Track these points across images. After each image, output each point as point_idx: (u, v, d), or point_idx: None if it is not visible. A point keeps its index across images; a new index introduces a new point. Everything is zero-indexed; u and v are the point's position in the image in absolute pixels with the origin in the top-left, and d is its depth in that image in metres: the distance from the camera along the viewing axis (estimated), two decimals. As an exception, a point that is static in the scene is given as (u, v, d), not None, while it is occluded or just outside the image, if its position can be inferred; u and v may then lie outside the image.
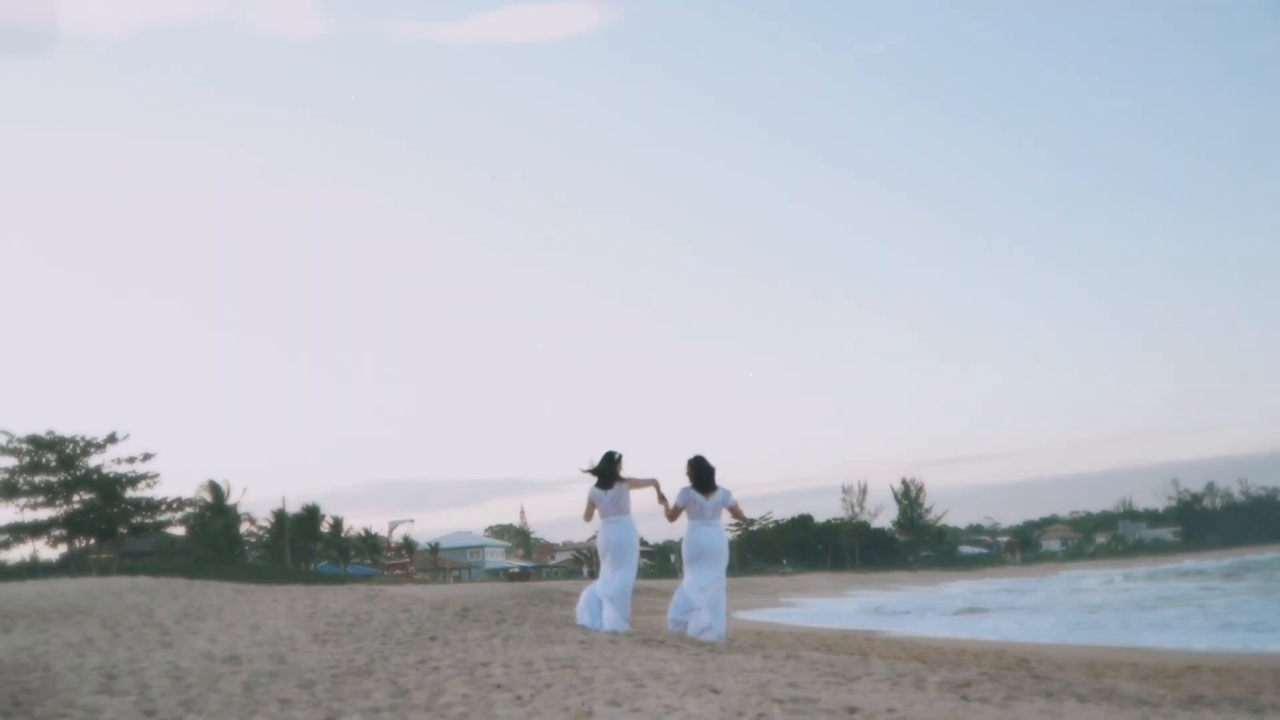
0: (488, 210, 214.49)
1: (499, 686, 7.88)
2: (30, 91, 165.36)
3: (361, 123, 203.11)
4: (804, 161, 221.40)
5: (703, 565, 13.78)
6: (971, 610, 38.95)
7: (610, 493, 13.84)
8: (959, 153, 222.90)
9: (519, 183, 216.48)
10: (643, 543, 14.68)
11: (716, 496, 13.80)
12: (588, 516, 14.30)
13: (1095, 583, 66.36)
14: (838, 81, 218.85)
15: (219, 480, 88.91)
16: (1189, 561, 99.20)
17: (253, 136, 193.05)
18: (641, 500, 14.17)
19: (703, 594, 13.68)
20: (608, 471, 13.90)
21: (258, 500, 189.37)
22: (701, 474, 13.87)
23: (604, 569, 14.01)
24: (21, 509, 70.16)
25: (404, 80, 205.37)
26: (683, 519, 14.00)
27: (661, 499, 14.03)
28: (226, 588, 22.82)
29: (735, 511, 14.00)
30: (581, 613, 13.95)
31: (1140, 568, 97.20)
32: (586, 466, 14.05)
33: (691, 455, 13.99)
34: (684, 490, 13.86)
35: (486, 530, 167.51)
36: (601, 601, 13.77)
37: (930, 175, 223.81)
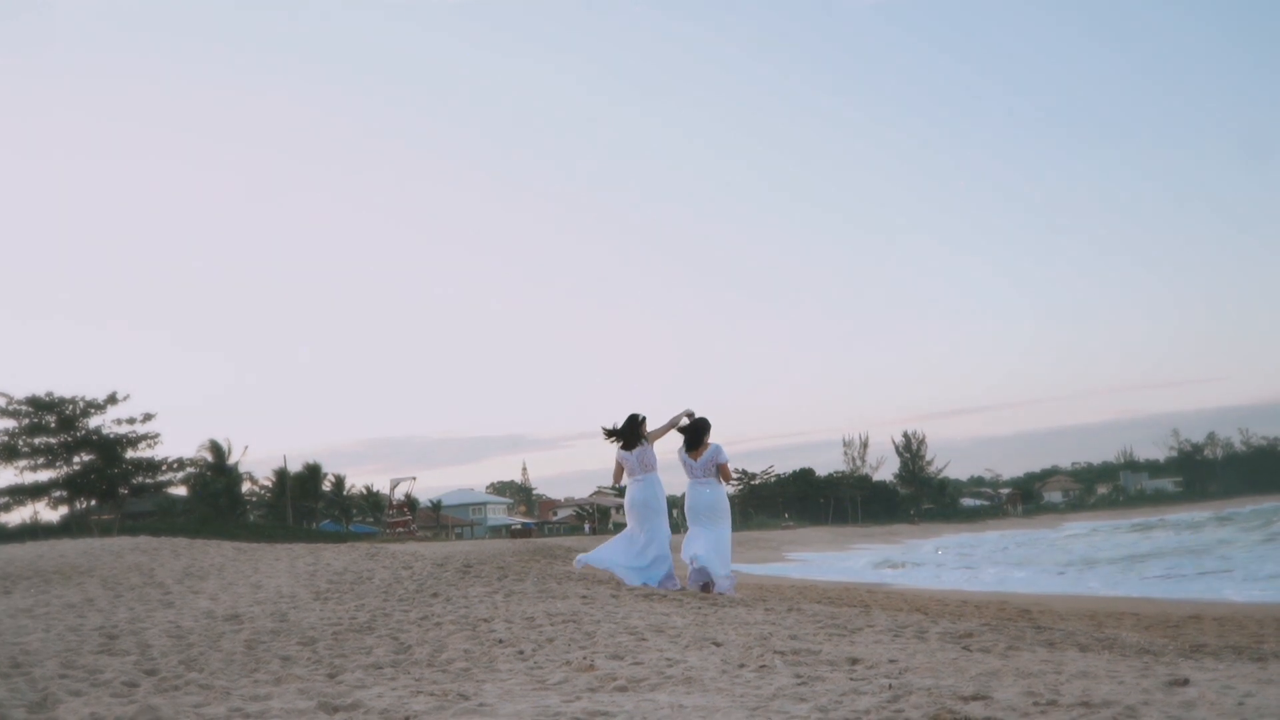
0: (487, 169, 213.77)
1: (501, 642, 7.88)
2: (24, 42, 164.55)
3: (362, 80, 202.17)
4: (798, 113, 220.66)
5: (696, 522, 13.83)
6: (890, 565, 39.74)
7: (635, 452, 13.87)
8: (956, 103, 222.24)
9: (519, 143, 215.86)
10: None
11: (704, 455, 13.81)
12: (617, 478, 14.40)
13: (1068, 535, 67.30)
14: (833, 31, 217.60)
15: (220, 440, 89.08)
16: (1170, 514, 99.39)
17: (246, 91, 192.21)
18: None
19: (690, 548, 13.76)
20: (631, 434, 13.91)
21: (259, 459, 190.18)
22: (685, 433, 13.92)
23: (630, 526, 14.01)
24: (22, 471, 70.42)
25: (398, 26, 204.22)
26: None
27: (688, 415, 14.06)
28: (228, 547, 22.86)
29: (722, 470, 13.99)
30: (620, 573, 13.91)
31: (1126, 519, 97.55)
32: (608, 428, 14.06)
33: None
34: (680, 450, 13.95)
35: (488, 487, 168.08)
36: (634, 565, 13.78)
37: (929, 125, 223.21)
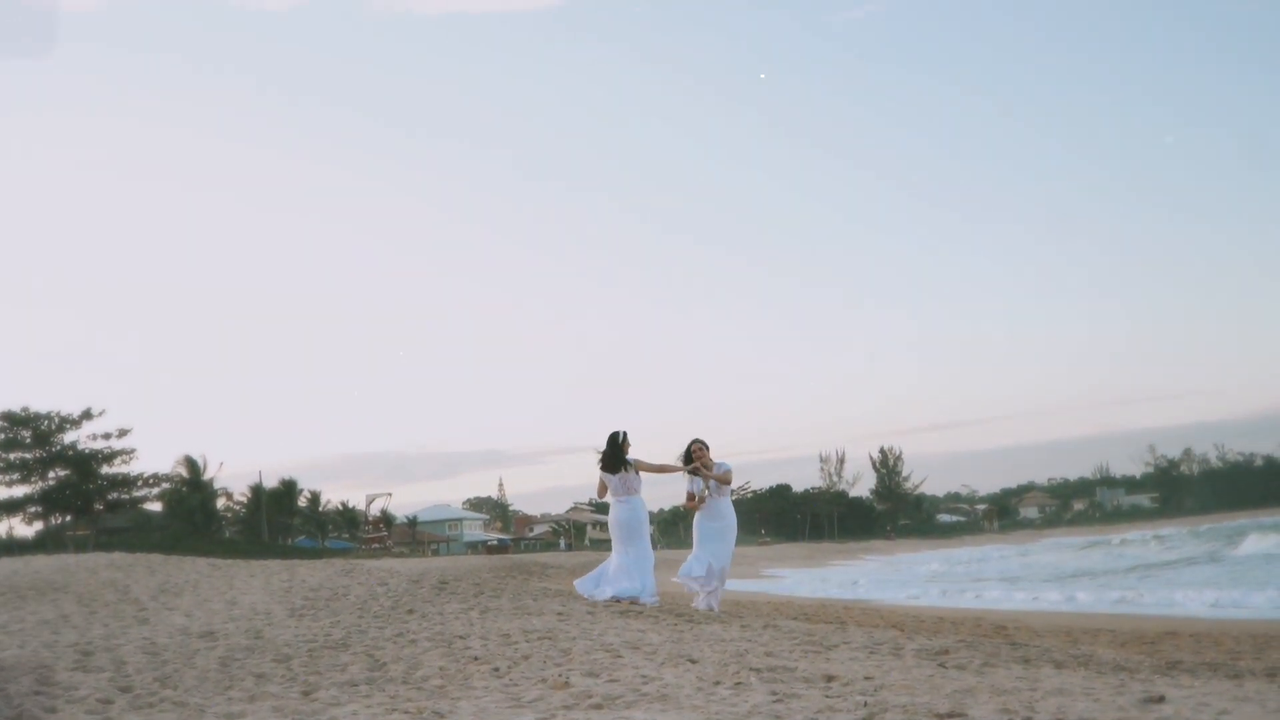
0: (464, 182, 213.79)
1: (476, 658, 7.87)
2: (7, 63, 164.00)
3: (336, 95, 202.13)
4: (780, 132, 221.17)
5: (712, 540, 14.06)
6: (866, 581, 40.41)
7: (618, 475, 13.87)
8: (933, 120, 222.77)
9: (495, 155, 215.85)
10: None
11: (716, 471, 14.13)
12: (600, 494, 14.43)
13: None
14: (816, 49, 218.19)
15: (195, 456, 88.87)
16: (1129, 533, 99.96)
17: (227, 110, 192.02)
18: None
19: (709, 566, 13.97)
20: (614, 455, 13.90)
21: (234, 475, 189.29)
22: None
23: (615, 546, 14.04)
24: (-4, 486, 70.04)
25: (378, 52, 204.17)
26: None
27: (708, 475, 14.20)
28: (203, 563, 22.78)
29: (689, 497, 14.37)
30: (587, 584, 14.00)
31: (1101, 535, 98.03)
32: (598, 455, 14.08)
33: (697, 438, 14.35)
34: (722, 462, 14.22)
35: (464, 503, 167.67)
36: (609, 575, 13.86)
37: (904, 143, 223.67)
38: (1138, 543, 61.85)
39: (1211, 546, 47.67)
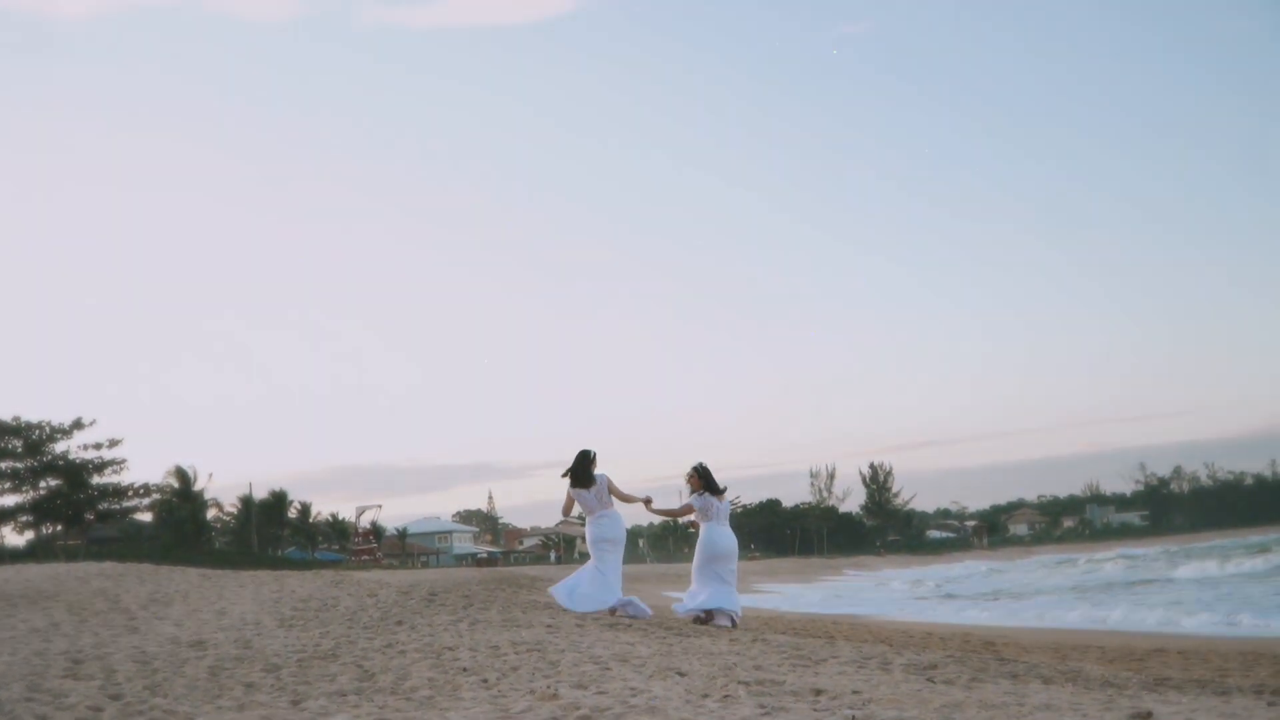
0: (453, 195, 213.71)
1: (465, 670, 7.88)
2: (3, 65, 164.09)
3: (328, 106, 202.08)
4: (769, 146, 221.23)
5: (724, 565, 14.30)
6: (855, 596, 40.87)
7: (592, 490, 13.93)
8: (923, 136, 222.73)
9: (486, 168, 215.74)
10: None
11: (726, 498, 14.45)
12: (566, 510, 14.50)
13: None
14: (812, 64, 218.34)
15: (186, 466, 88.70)
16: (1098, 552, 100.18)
17: (217, 120, 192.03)
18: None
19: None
20: (583, 471, 13.97)
21: (225, 486, 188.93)
22: (713, 480, 14.48)
23: (593, 560, 14.07)
24: (-13, 495, 69.88)
25: (370, 65, 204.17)
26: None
27: (660, 511, 14.48)
28: (193, 573, 22.77)
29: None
30: (561, 595, 14.04)
31: (1089, 552, 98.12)
32: (564, 472, 14.16)
33: (698, 464, 14.59)
34: (698, 496, 14.41)
35: (454, 516, 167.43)
36: (583, 586, 13.92)
37: (894, 158, 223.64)
38: (1105, 561, 62.30)
39: (1171, 568, 47.95)
